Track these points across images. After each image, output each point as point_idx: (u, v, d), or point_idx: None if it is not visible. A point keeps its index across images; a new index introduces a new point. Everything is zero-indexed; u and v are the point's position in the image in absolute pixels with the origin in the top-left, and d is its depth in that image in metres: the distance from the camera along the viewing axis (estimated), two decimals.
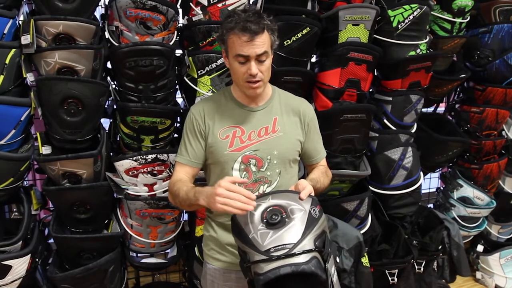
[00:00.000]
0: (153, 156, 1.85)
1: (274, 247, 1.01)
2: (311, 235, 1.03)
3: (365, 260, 2.02)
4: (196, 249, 2.07)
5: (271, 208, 1.07)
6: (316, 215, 1.07)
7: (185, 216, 2.18)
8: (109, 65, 1.84)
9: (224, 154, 1.34)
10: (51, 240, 1.98)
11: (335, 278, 1.07)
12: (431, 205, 2.76)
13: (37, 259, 1.87)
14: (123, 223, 2.00)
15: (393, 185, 2.22)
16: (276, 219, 1.04)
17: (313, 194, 1.17)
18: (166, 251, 2.18)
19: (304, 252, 1.01)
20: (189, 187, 1.27)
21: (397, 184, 2.22)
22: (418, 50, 2.09)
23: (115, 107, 1.89)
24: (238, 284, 1.42)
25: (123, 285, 2.05)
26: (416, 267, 2.26)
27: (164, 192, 1.94)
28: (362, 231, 2.15)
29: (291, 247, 1.01)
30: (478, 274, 2.88)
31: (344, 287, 1.99)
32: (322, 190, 1.40)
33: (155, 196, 1.95)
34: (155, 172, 1.89)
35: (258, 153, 1.33)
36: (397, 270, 2.21)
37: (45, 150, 1.76)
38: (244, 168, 1.32)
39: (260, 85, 1.31)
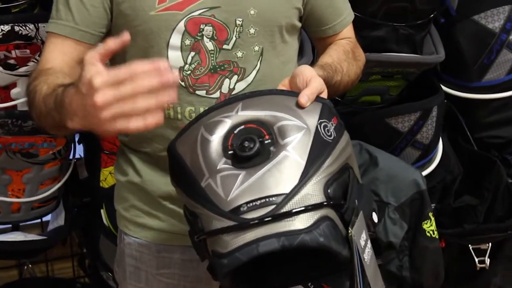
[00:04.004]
0: (8, 28, 1.70)
1: (247, 202, 0.95)
2: (318, 177, 0.96)
3: (429, 227, 1.81)
4: (103, 212, 1.92)
5: (242, 127, 1.02)
6: (330, 136, 1.00)
7: (79, 151, 2.04)
8: None
9: (150, 16, 1.27)
10: None
11: (367, 255, 1.04)
12: None
13: None
14: None
15: (488, 82, 2.00)
16: (251, 149, 0.98)
17: (325, 95, 1.12)
18: (44, 219, 2.10)
19: (304, 209, 0.94)
20: (51, 86, 1.13)
21: (497, 80, 2.00)
22: None
23: None
24: (186, 273, 1.37)
25: None
26: None
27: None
28: (426, 172, 1.96)
29: (280, 201, 0.95)
30: None
31: (387, 274, 1.81)
32: (347, 87, 1.35)
33: (14, 110, 1.77)
34: (11, 61, 1.72)
35: (217, 14, 1.27)
36: (490, 245, 2.06)
37: None
38: (192, 44, 1.26)
39: None
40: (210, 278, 1.26)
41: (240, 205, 0.97)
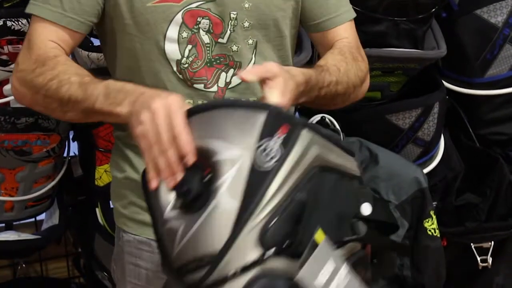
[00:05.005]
0: (0, 23, 1.70)
1: (186, 264, 0.93)
2: (252, 223, 0.90)
3: (431, 225, 1.78)
4: (98, 211, 1.91)
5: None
6: (271, 159, 0.92)
7: (73, 148, 2.02)
8: None
9: (146, 7, 1.26)
10: None
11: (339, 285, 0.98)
12: None
13: None
14: None
15: (491, 78, 1.99)
16: (189, 193, 0.94)
17: (304, 99, 1.14)
18: (38, 218, 2.10)
19: (235, 274, 0.89)
20: (84, 76, 1.16)
21: (500, 76, 1.99)
22: None
23: None
24: None
25: None
26: None
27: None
28: (427, 170, 1.97)
29: (211, 263, 0.91)
30: None
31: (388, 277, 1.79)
32: (348, 90, 1.30)
33: (7, 107, 1.77)
34: (3, 57, 1.73)
35: (213, 8, 1.27)
36: (492, 244, 2.04)
37: None
38: (189, 37, 1.25)
39: None
40: None
41: (182, 265, 0.96)
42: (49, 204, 1.99)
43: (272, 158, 0.93)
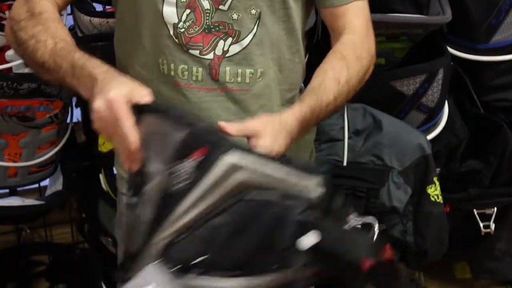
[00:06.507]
0: None
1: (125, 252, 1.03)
2: (159, 237, 0.94)
3: (434, 191, 1.83)
4: (102, 176, 1.91)
5: None
6: (179, 184, 0.93)
7: (77, 114, 2.02)
8: None
9: None
10: None
11: None
12: None
13: None
14: None
15: (496, 44, 1.99)
16: (130, 188, 1.01)
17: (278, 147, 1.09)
18: (42, 184, 2.09)
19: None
20: (59, 42, 1.15)
21: (505, 42, 1.99)
22: None
23: None
24: None
25: None
26: None
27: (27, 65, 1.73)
28: (431, 136, 1.94)
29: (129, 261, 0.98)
30: None
31: (390, 240, 1.82)
32: (350, 92, 1.29)
33: (9, 73, 1.76)
34: (4, 22, 1.75)
35: None
36: (495, 210, 2.05)
37: None
38: (188, 1, 1.24)
39: None
40: None
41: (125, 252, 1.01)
42: (53, 170, 2.00)
43: (185, 179, 0.93)
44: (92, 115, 1.04)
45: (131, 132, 0.99)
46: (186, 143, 0.94)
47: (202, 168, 0.93)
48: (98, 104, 1.02)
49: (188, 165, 0.94)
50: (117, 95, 1.02)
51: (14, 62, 1.78)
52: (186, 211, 0.93)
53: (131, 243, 0.99)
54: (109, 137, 1.05)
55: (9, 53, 1.76)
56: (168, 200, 0.94)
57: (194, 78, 1.29)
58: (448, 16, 1.84)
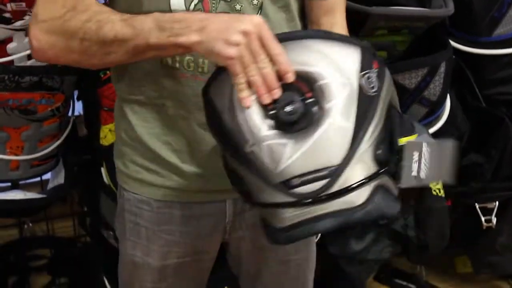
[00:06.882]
0: None
1: (298, 176, 0.95)
2: (368, 142, 0.96)
3: (435, 185, 1.89)
4: (103, 170, 1.90)
5: (281, 82, 0.98)
6: (373, 88, 0.98)
7: (78, 107, 2.01)
8: None
9: None
10: None
11: (423, 164, 1.00)
12: None
13: None
14: None
15: (498, 37, 1.99)
16: (294, 113, 0.96)
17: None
18: (44, 177, 2.10)
19: (357, 185, 0.94)
20: (122, 14, 1.13)
21: (508, 35, 1.99)
22: None
23: None
24: (186, 229, 1.35)
25: None
26: None
27: (30, 58, 1.79)
28: (433, 129, 1.97)
29: (332, 175, 0.95)
30: None
31: (392, 233, 1.92)
32: None
33: (11, 66, 1.74)
34: (6, 15, 1.70)
35: None
36: (497, 204, 2.06)
37: None
38: None
39: None
40: (211, 234, 1.28)
41: (291, 179, 0.97)
42: (55, 163, 2.01)
43: (373, 87, 0.99)
44: (226, 47, 1.02)
45: (284, 52, 1.00)
46: (365, 56, 1.00)
47: (380, 77, 1.01)
48: (248, 26, 1.01)
49: (373, 73, 1.00)
50: (263, 22, 1.02)
51: (16, 55, 1.76)
52: (381, 114, 0.99)
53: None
54: (244, 66, 1.02)
55: (11, 45, 1.75)
56: (367, 104, 0.99)
57: (200, 70, 1.27)
58: (450, 9, 1.84)
